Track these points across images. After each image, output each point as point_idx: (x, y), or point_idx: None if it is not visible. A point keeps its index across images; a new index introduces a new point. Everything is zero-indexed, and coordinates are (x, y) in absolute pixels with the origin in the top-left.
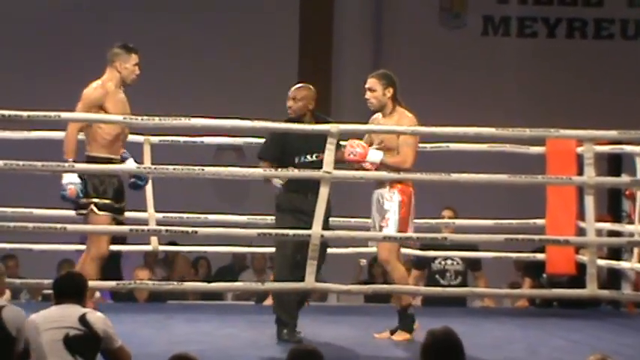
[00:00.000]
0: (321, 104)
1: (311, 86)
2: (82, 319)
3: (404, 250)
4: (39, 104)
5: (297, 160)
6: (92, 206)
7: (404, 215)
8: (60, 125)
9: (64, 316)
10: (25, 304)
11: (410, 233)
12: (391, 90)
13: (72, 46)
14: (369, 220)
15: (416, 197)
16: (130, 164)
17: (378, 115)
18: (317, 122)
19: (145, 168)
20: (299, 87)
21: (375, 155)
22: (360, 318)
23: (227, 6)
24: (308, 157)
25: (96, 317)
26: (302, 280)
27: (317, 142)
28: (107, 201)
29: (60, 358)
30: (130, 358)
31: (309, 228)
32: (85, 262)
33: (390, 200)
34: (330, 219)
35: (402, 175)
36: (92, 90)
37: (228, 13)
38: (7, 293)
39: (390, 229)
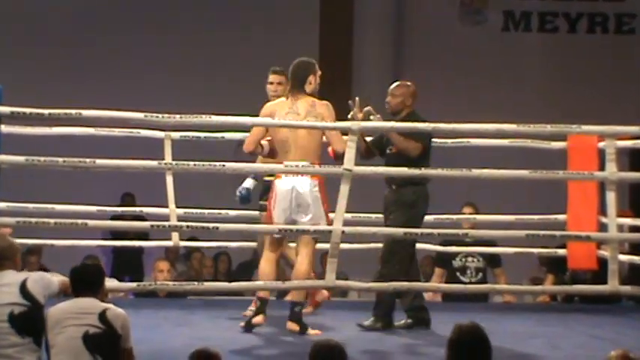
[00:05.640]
0: (341, 101)
1: (410, 83)
2: (102, 317)
3: (424, 246)
4: (62, 102)
5: (387, 151)
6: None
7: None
8: (81, 122)
9: (83, 311)
10: (47, 301)
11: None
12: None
13: (92, 43)
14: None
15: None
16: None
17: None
18: (412, 119)
19: (166, 164)
20: (398, 84)
21: None
22: None
23: (247, 5)
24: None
25: (116, 314)
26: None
27: None
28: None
29: (79, 357)
30: None
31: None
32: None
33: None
34: (350, 215)
35: (424, 172)
36: None
37: (247, 13)
38: None
39: None
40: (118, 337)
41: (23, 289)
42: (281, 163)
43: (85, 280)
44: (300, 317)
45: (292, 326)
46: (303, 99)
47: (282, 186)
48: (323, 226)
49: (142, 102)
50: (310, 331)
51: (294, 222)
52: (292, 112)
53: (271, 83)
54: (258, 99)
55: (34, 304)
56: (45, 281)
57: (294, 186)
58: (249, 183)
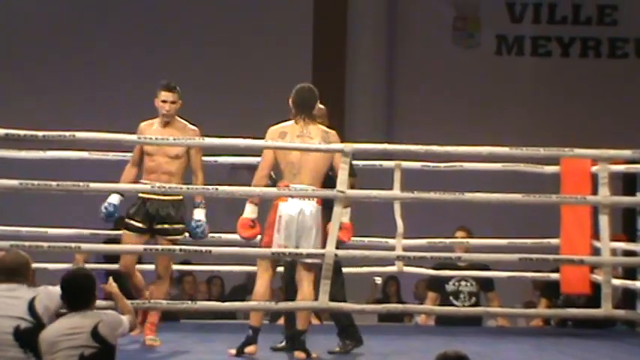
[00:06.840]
0: (335, 122)
1: (322, 106)
2: (95, 334)
3: (418, 270)
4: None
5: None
6: None
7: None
8: (74, 145)
9: (75, 331)
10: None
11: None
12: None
13: (88, 62)
14: (382, 240)
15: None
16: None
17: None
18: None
19: (159, 187)
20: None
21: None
22: (373, 337)
23: (239, 22)
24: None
25: (107, 327)
26: None
27: None
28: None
29: None
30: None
31: None
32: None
33: None
34: None
35: (417, 195)
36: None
37: (240, 29)
38: None
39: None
40: (114, 349)
41: (31, 306)
42: (287, 185)
43: (77, 290)
44: (304, 345)
45: (300, 355)
46: (313, 125)
47: (289, 210)
48: (317, 250)
49: (135, 118)
50: (313, 355)
51: (298, 246)
52: (304, 136)
53: (165, 102)
54: (251, 112)
55: (39, 322)
56: (50, 298)
57: (302, 209)
58: (114, 199)
